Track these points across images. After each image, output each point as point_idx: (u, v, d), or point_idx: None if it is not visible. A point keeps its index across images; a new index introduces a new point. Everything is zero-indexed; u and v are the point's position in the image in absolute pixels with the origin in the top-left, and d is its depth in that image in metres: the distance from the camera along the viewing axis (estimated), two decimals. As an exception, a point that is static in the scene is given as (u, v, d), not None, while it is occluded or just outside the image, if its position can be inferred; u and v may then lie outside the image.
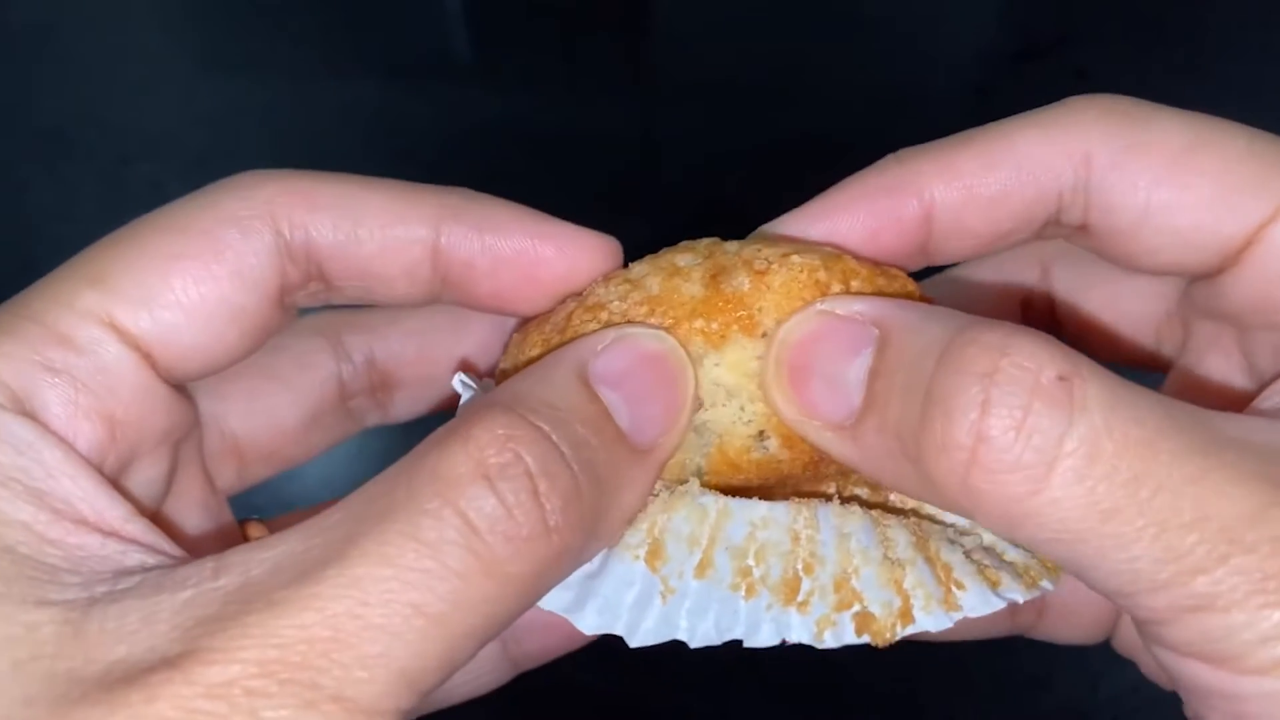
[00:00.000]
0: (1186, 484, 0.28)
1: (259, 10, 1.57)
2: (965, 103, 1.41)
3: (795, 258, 0.36)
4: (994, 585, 0.36)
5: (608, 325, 0.36)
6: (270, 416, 0.43)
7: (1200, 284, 0.38)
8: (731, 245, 0.39)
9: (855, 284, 0.37)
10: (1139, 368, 0.46)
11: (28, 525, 0.29)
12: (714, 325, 0.36)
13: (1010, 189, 0.36)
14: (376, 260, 0.36)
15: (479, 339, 0.45)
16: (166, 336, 0.34)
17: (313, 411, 0.44)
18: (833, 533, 0.36)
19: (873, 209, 0.37)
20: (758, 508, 0.37)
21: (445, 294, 0.38)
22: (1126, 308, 0.45)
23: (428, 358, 0.46)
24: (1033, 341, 0.30)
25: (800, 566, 0.36)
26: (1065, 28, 1.46)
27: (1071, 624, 0.45)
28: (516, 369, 0.37)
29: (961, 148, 0.37)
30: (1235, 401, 0.38)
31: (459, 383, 0.39)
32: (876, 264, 0.38)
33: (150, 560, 0.31)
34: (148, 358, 0.34)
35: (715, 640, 0.35)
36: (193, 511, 0.39)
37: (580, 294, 0.39)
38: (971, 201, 0.36)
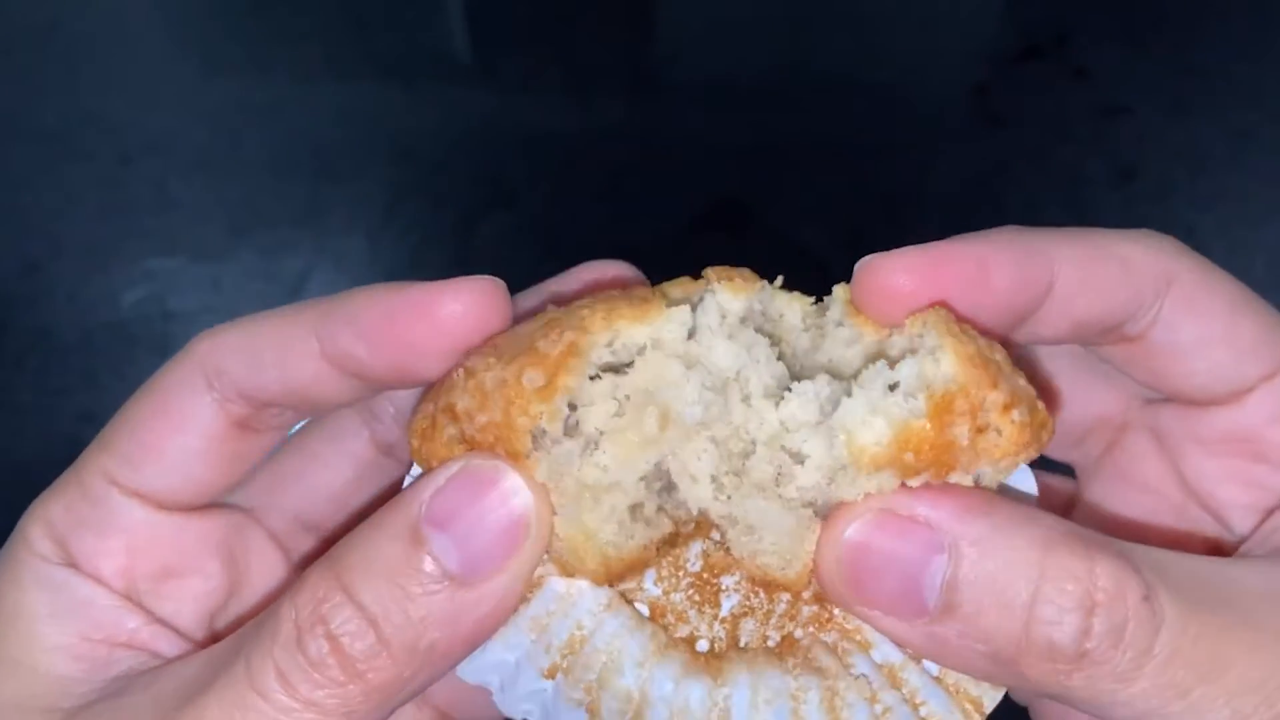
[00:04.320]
0: (1247, 653, 0.36)
1: (260, 11, 1.57)
2: (965, 103, 1.41)
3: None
4: None
5: (464, 412, 0.38)
6: (319, 489, 0.49)
7: (1190, 409, 0.45)
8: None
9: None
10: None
11: (63, 649, 0.40)
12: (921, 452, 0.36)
13: (1118, 281, 0.41)
14: (286, 381, 0.41)
15: None
16: (151, 483, 0.42)
17: (354, 471, 0.49)
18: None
19: (1017, 259, 0.40)
20: (677, 696, 0.40)
21: (365, 388, 0.42)
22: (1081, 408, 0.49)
23: None
24: (1115, 569, 0.36)
25: None
26: (1065, 28, 1.46)
27: None
28: (413, 437, 0.41)
29: (1077, 235, 0.41)
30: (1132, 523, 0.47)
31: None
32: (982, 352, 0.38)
33: (139, 663, 0.41)
34: (146, 499, 0.42)
35: None
36: (277, 589, 0.47)
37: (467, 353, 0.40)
38: (1087, 282, 0.41)
